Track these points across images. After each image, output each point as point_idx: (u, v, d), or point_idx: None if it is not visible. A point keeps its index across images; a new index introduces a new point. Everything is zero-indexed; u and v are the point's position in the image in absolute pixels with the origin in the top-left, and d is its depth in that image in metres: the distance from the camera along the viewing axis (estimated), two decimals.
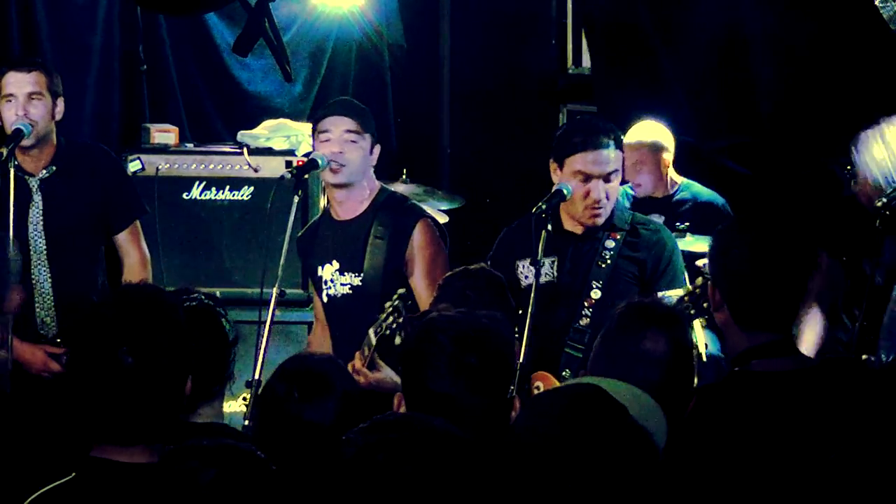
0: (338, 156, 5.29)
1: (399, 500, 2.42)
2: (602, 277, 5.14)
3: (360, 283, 5.32)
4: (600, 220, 5.19)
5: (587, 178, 5.12)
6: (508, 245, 5.35)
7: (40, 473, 3.11)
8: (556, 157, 5.21)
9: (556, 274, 5.14)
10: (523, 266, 5.22)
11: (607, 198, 5.16)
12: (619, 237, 5.20)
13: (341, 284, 5.36)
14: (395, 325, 4.79)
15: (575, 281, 5.16)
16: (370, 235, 5.32)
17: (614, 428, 2.68)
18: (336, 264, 5.39)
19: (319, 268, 5.44)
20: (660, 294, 5.11)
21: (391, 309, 4.81)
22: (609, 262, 5.16)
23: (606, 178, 5.14)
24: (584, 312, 5.12)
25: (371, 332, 4.90)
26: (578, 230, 5.23)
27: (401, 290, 4.88)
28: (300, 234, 5.64)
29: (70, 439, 3.24)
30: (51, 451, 3.39)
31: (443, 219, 6.94)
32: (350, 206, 5.40)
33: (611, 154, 5.15)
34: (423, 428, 2.51)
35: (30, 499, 3.01)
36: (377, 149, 5.41)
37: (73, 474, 3.03)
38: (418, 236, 5.31)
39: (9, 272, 3.87)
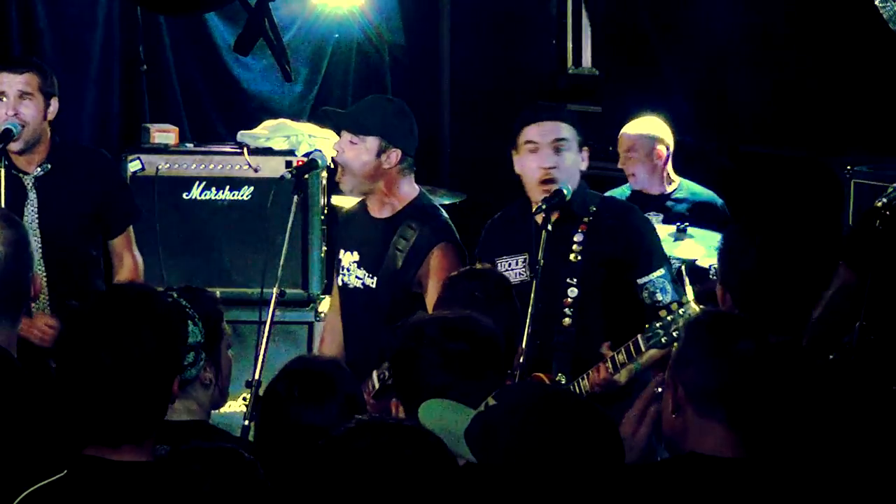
0: (339, 155, 5.28)
1: (371, 483, 2.43)
2: (576, 274, 5.00)
3: (371, 286, 5.28)
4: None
5: (534, 147, 5.01)
6: (489, 242, 5.27)
7: (33, 469, 3.12)
8: (512, 143, 5.11)
9: (528, 272, 5.02)
10: (502, 265, 5.11)
11: (557, 168, 4.99)
12: (586, 229, 5.03)
13: (356, 277, 5.31)
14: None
15: (550, 278, 4.95)
16: (392, 243, 5.23)
17: (584, 424, 2.68)
18: (356, 255, 5.34)
19: (342, 251, 5.40)
20: (640, 281, 5.00)
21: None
22: (580, 256, 5.01)
23: (556, 148, 5.01)
24: (564, 311, 5.01)
25: (375, 375, 4.90)
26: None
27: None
28: (343, 211, 5.56)
29: (63, 437, 3.24)
30: (44, 447, 3.39)
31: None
32: (382, 206, 5.32)
33: (559, 125, 5.03)
34: (402, 424, 2.54)
35: (21, 495, 3.01)
36: (392, 154, 5.20)
37: (65, 471, 3.03)
38: (436, 259, 5.16)
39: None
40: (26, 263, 3.90)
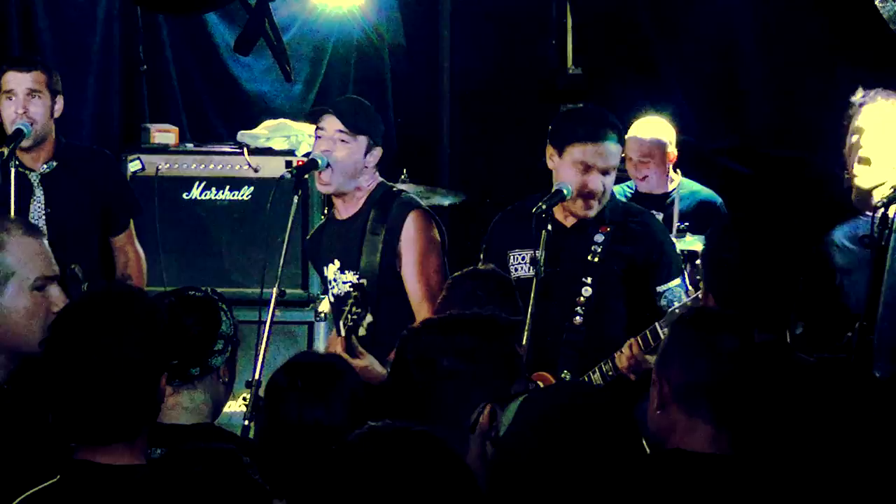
0: (326, 154, 5.29)
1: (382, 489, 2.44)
2: (593, 274, 5.08)
3: (358, 281, 5.30)
4: (592, 213, 5.09)
5: (587, 168, 5.05)
6: (501, 234, 5.32)
7: (26, 475, 3.11)
8: (556, 143, 5.13)
9: (544, 269, 5.08)
10: (514, 257, 5.19)
11: (603, 191, 5.09)
12: (608, 230, 5.12)
13: (343, 283, 5.35)
14: (356, 317, 4.86)
15: (565, 276, 5.08)
16: (366, 232, 5.31)
17: (603, 433, 2.68)
18: (337, 263, 5.38)
19: (324, 268, 5.45)
20: (659, 289, 5.09)
21: (352, 301, 4.87)
22: (599, 257, 5.10)
23: (605, 171, 5.07)
24: (576, 310, 5.08)
25: (340, 323, 4.94)
26: (568, 223, 5.16)
27: (362, 280, 4.87)
28: (308, 236, 5.66)
29: (55, 441, 3.24)
30: (36, 452, 3.39)
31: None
32: (348, 204, 5.39)
33: (612, 147, 5.08)
34: (415, 431, 2.54)
35: (14, 502, 3.01)
36: (376, 152, 5.33)
37: (58, 477, 3.03)
38: (408, 229, 5.26)
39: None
40: None
